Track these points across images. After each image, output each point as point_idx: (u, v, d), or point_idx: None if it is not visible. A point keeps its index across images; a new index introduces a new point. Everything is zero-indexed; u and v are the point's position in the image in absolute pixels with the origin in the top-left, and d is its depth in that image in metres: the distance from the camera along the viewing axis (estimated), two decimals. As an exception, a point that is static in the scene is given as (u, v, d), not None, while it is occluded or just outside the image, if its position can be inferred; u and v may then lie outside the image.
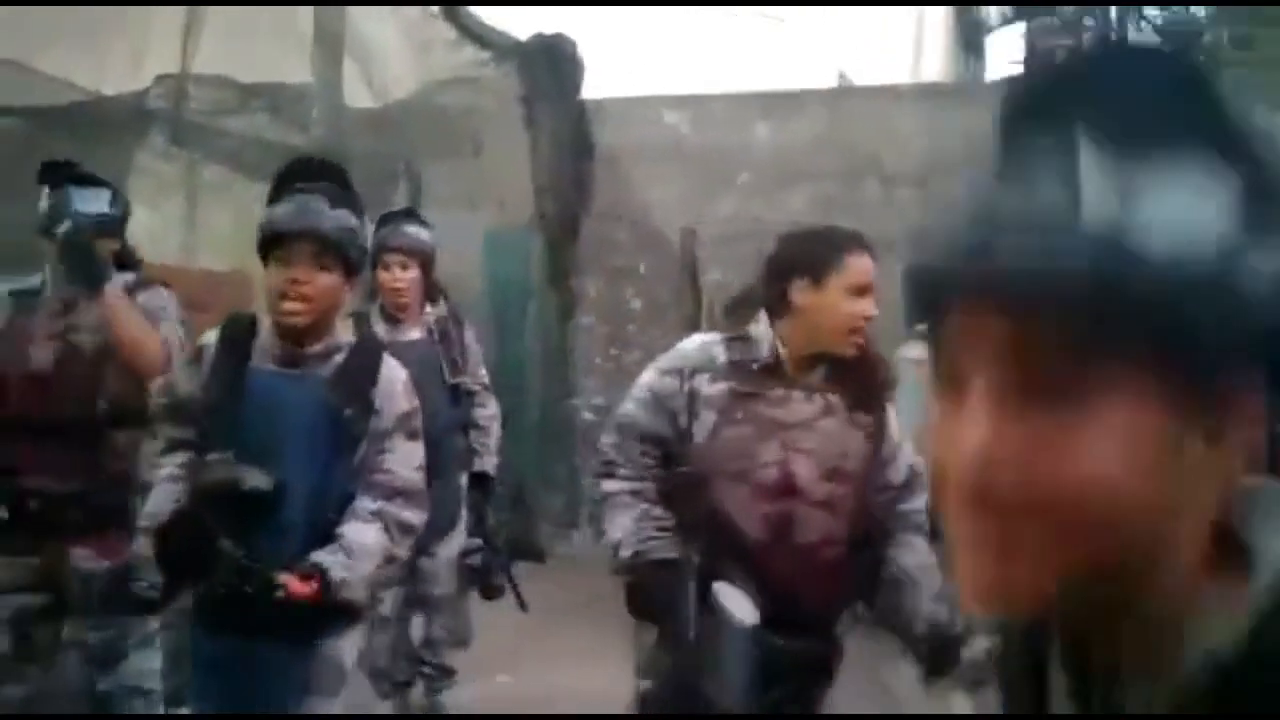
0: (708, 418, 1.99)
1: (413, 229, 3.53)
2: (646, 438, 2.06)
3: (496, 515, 4.13)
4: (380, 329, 3.47)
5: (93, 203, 2.73)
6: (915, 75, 11.41)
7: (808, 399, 1.99)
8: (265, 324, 2.13)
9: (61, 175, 2.75)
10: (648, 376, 2.11)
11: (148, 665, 2.83)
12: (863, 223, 6.68)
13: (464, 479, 3.59)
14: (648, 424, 2.06)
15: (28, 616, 2.70)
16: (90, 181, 2.80)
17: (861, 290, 1.94)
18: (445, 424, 3.47)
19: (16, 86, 4.77)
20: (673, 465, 2.05)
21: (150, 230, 6.45)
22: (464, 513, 3.55)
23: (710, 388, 2.00)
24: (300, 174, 2.13)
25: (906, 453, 2.10)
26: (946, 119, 6.37)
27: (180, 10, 4.90)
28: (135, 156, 5.10)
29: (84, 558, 2.68)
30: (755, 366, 2.00)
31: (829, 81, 8.99)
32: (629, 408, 2.10)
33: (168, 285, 2.93)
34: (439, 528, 3.46)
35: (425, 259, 3.52)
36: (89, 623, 2.75)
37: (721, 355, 2.03)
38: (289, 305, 2.01)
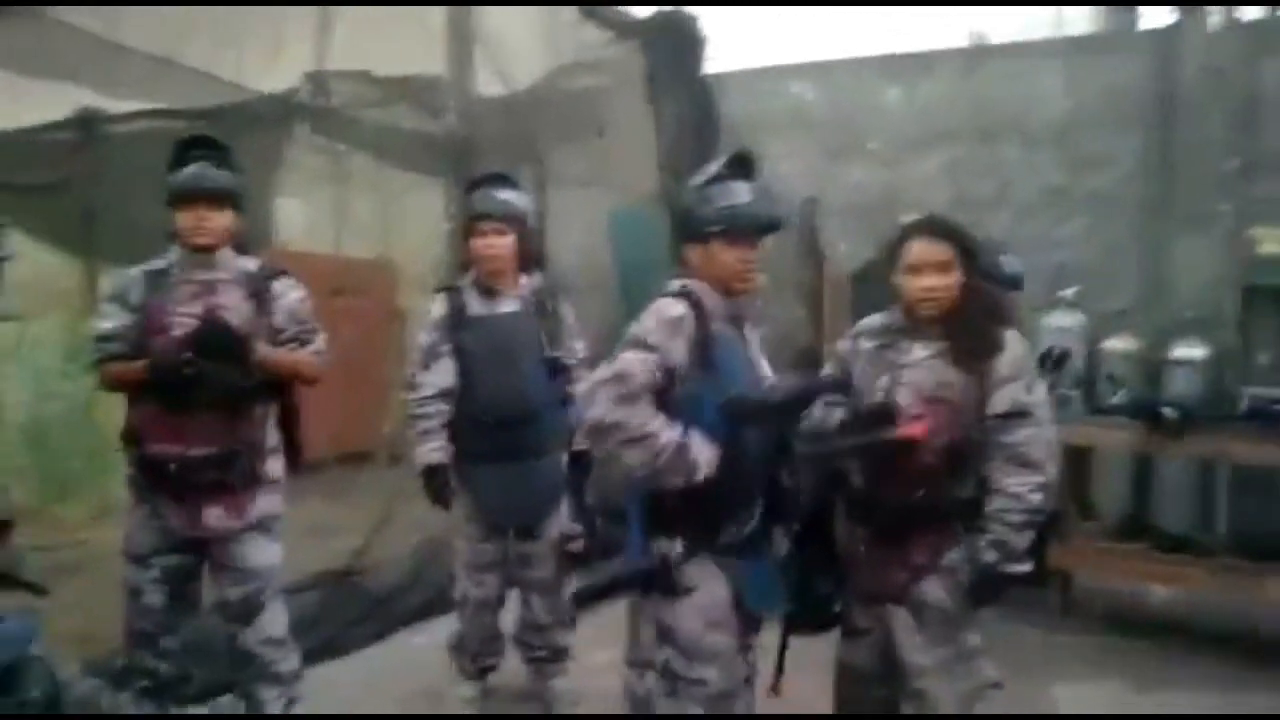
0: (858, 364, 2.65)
1: (506, 194, 3.34)
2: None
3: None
4: (474, 302, 3.35)
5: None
6: (1058, 29, 10.82)
7: (924, 347, 2.53)
8: None
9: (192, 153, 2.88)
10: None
11: (281, 616, 3.03)
12: (1000, 187, 6.46)
13: (564, 458, 3.41)
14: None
15: (177, 575, 2.90)
16: (218, 160, 2.89)
17: (915, 270, 2.51)
18: (544, 399, 3.34)
19: (166, 82, 5.08)
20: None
21: (295, 219, 6.83)
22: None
23: (866, 344, 2.63)
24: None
25: (1012, 390, 2.46)
26: (1091, 73, 6.04)
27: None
28: (283, 151, 5.38)
29: (216, 517, 2.86)
30: (892, 327, 2.61)
31: (961, 41, 8.63)
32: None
33: (286, 272, 3.05)
34: (540, 507, 3.38)
35: (521, 225, 3.33)
36: (227, 579, 2.93)
37: (877, 321, 2.66)
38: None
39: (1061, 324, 5.48)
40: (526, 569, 3.46)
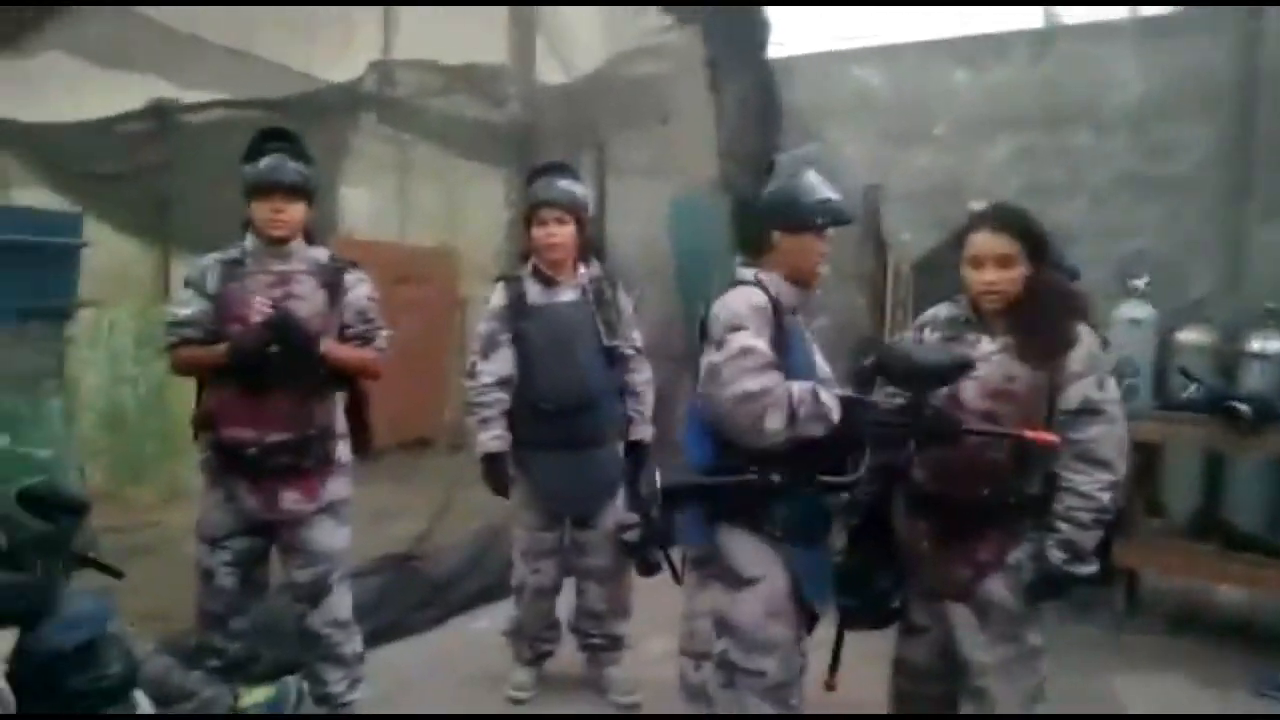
0: None
1: (566, 182, 3.40)
2: None
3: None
4: (533, 291, 3.38)
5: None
6: (1133, 10, 10.46)
7: (991, 340, 2.48)
8: None
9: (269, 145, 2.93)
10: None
11: (347, 599, 3.09)
12: (1071, 173, 6.28)
13: (621, 448, 3.47)
14: None
15: (248, 557, 2.97)
16: (293, 152, 2.93)
17: (976, 262, 2.46)
18: (602, 388, 3.38)
19: (239, 73, 5.18)
20: None
21: (360, 207, 6.93)
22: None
23: (932, 336, 2.59)
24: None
25: (1083, 386, 2.39)
26: (1167, 55, 5.84)
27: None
28: (349, 140, 5.46)
29: (293, 501, 2.92)
30: (959, 319, 2.57)
31: (1034, 22, 8.41)
32: None
33: (357, 265, 3.09)
34: (598, 496, 3.42)
35: (580, 215, 3.39)
36: (297, 562, 2.99)
37: (943, 312, 2.61)
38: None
39: (1132, 315, 5.32)
40: (583, 557, 3.49)
